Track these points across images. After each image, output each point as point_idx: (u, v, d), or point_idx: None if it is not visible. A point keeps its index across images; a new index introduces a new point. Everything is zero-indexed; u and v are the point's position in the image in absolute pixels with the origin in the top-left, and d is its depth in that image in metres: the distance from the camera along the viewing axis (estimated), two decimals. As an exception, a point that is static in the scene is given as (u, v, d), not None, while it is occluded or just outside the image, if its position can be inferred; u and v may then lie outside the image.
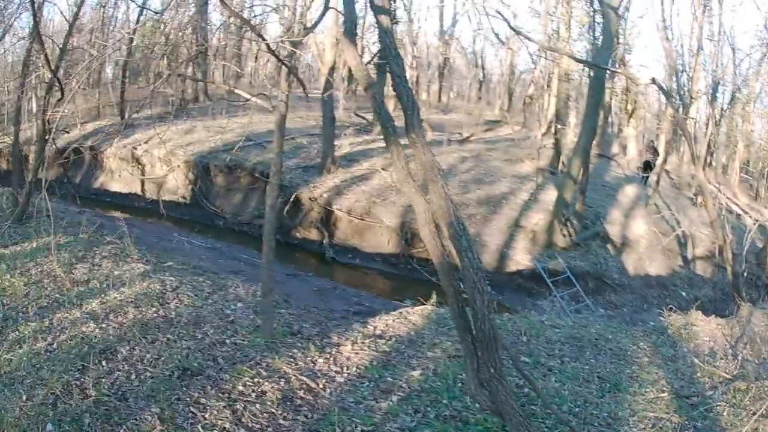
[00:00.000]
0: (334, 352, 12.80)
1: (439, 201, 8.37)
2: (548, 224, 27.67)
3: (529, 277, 26.15)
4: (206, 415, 9.87)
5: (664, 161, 39.09)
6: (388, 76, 38.22)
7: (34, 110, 43.25)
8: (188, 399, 10.28)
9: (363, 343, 13.45)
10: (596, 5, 33.36)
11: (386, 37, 9.06)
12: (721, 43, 48.38)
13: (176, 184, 37.70)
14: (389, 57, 8.89)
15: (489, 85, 72.49)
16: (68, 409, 9.79)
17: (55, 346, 12.07)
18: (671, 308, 18.30)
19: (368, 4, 9.75)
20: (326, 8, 12.27)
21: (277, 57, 12.48)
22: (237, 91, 23.00)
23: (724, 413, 11.01)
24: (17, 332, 12.69)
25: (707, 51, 47.48)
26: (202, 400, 10.27)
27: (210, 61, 53.04)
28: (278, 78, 55.38)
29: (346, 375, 11.74)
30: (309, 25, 23.63)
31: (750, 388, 11.85)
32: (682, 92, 43.30)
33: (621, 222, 30.52)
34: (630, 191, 35.36)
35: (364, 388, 11.21)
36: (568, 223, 28.01)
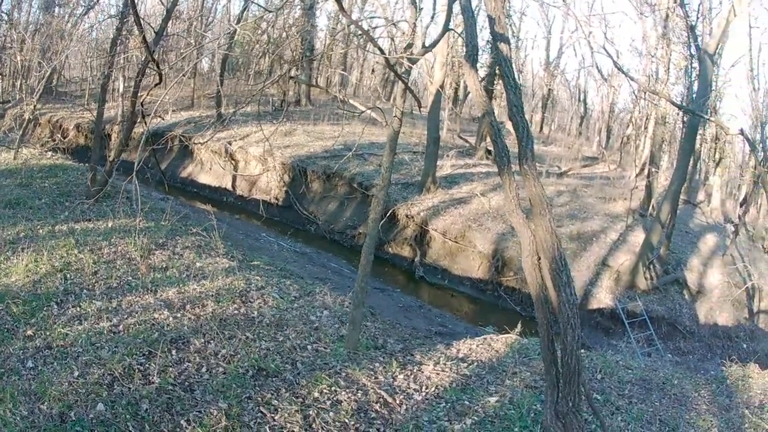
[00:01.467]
0: (415, 370, 12.79)
1: (545, 234, 8.38)
2: (633, 266, 27.36)
3: (608, 316, 25.90)
4: (276, 417, 9.85)
5: (744, 213, 38.36)
6: (492, 102, 37.83)
7: (120, 90, 44.10)
8: (259, 399, 10.28)
9: (445, 364, 13.40)
10: (693, 50, 32.90)
11: (505, 65, 9.06)
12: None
13: (269, 185, 37.86)
14: (507, 86, 8.88)
15: (589, 120, 71.94)
16: (125, 392, 9.85)
17: (120, 328, 12.16)
18: (732, 359, 18.26)
19: (489, 31, 9.70)
20: (446, 29, 12.23)
21: (396, 73, 12.41)
22: (351, 101, 23.19)
23: None
24: (78, 308, 12.85)
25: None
26: (274, 402, 10.26)
27: (314, 66, 53.47)
28: (383, 91, 55.49)
29: (424, 394, 11.71)
30: (423, 42, 23.58)
31: None
32: (765, 144, 42.60)
33: (699, 270, 30.00)
34: (710, 240, 34.72)
35: (440, 409, 11.17)
36: (652, 267, 27.62)
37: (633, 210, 33.82)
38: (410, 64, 13.59)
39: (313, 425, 9.93)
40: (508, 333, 16.88)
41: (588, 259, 28.57)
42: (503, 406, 11.58)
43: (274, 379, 11.10)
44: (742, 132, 21.55)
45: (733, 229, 35.80)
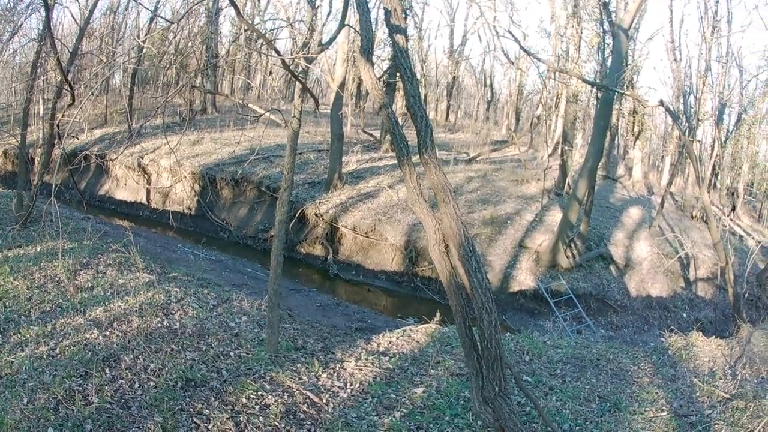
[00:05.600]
0: (337, 368, 12.90)
1: (450, 221, 8.43)
2: (552, 245, 27.75)
3: (532, 297, 26.22)
4: (209, 426, 9.98)
5: (669, 183, 38.97)
6: (396, 94, 37.70)
7: (41, 113, 43.71)
8: (191, 410, 10.39)
9: (367, 359, 13.56)
10: (606, 26, 33.31)
11: (402, 56, 9.13)
12: (729, 64, 48.24)
13: (182, 195, 37.70)
14: (404, 77, 8.93)
15: (497, 105, 72.25)
16: (70, 415, 9.92)
17: (57, 351, 12.18)
18: (672, 329, 18.41)
19: (385, 23, 9.73)
20: (342, 25, 12.28)
21: (292, 73, 12.44)
22: (250, 105, 23.14)
23: (722, 431, 11.20)
24: (19, 335, 12.85)
25: (714, 72, 47.57)
26: (205, 412, 10.38)
27: (219, 73, 53.28)
28: (287, 92, 55.32)
29: (349, 391, 11.83)
30: (320, 40, 23.64)
31: (748, 407, 11.97)
32: (689, 114, 43.24)
33: (624, 244, 30.52)
34: (634, 213, 35.61)
35: (367, 404, 11.31)
36: (572, 245, 28.11)
37: (547, 190, 34.19)
38: (307, 64, 13.69)
39: (246, 431, 10.06)
40: (428, 323, 17.11)
41: (504, 242, 28.87)
42: (431, 396, 11.77)
43: (202, 388, 11.19)
44: (662, 103, 21.70)
45: (659, 200, 36.27)
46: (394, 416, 10.94)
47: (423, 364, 13.62)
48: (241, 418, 10.32)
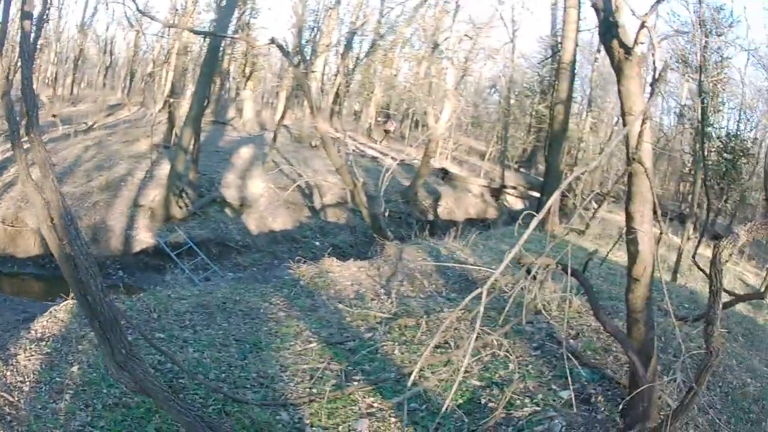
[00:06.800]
0: (15, 363, 12.42)
1: (51, 195, 8.54)
2: (164, 198, 28.09)
3: (155, 253, 26.54)
4: None
5: (282, 117, 40.17)
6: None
7: None
8: None
9: (31, 348, 13.10)
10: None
11: (24, 40, 9.38)
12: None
13: None
14: (22, 59, 9.09)
15: (114, 70, 70.84)
16: None
17: None
18: (299, 259, 18.50)
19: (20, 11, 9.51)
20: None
21: None
22: None
23: (396, 352, 11.56)
24: None
25: (349, 4, 50.39)
26: None
27: None
28: None
29: (28, 383, 11.57)
30: None
31: (420, 323, 12.34)
32: (304, 48, 44.84)
33: (237, 184, 31.99)
34: (245, 153, 36.83)
35: (44, 393, 11.14)
36: (184, 194, 28.68)
37: (156, 145, 34.24)
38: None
39: (-26, 448, 9.89)
40: (66, 300, 16.92)
41: (121, 204, 28.79)
42: (85, 372, 11.60)
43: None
44: (273, 41, 22.38)
45: (272, 136, 37.55)
46: (65, 399, 10.81)
47: (71, 341, 13.19)
48: (-32, 437, 10.11)
